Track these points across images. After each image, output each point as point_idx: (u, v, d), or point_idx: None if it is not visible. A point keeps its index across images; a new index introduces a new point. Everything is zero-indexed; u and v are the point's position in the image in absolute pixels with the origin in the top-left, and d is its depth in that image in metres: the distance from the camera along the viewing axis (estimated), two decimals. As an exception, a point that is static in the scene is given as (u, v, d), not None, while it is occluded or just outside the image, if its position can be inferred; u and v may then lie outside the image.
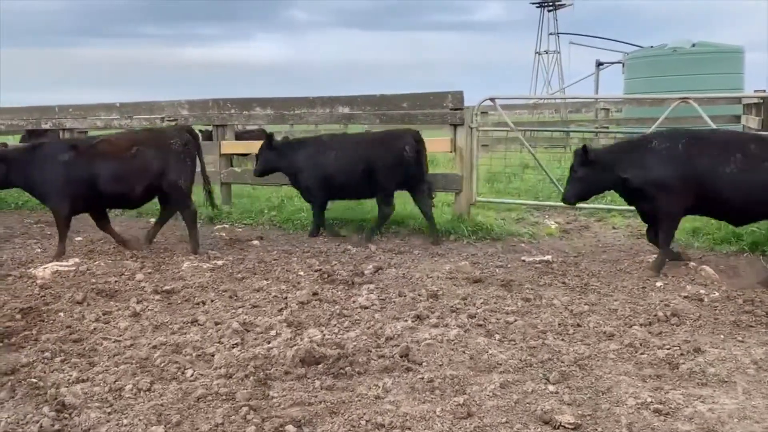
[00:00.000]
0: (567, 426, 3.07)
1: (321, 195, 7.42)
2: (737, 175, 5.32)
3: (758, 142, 5.54)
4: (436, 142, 8.36)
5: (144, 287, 5.41)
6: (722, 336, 4.25)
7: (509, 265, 6.11)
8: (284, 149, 7.54)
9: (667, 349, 3.99)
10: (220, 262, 6.26)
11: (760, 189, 5.30)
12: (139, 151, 6.45)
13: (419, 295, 5.10)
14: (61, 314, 4.80)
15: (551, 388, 3.49)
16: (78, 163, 6.36)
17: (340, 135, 8.18)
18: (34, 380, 3.66)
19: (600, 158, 5.84)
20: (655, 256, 5.93)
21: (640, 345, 4.06)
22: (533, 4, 65.94)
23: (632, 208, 8.06)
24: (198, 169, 6.99)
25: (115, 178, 6.38)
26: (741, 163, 5.33)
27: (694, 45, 16.91)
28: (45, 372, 3.81)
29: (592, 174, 5.86)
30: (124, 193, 6.48)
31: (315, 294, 5.12)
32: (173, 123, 9.44)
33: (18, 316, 4.72)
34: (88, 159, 6.38)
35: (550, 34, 64.90)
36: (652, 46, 18.73)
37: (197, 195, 7.24)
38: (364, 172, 7.08)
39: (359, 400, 3.39)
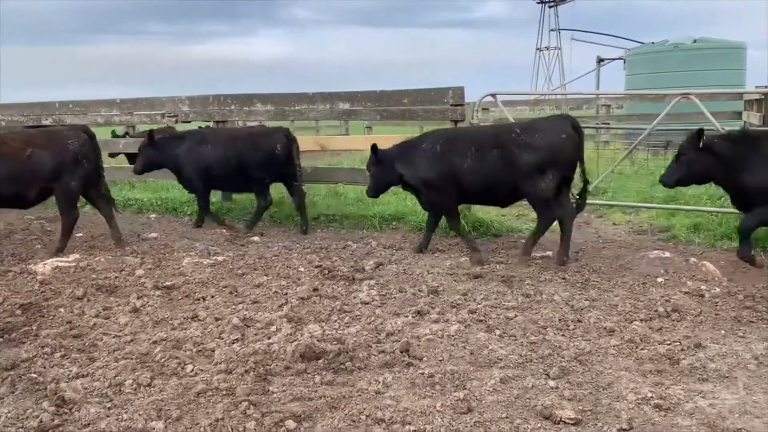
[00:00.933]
0: (567, 421, 3.07)
1: (201, 186, 7.72)
2: (473, 166, 5.93)
3: (498, 132, 6.11)
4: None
5: (144, 283, 5.41)
6: (723, 331, 4.25)
7: (509, 261, 6.10)
8: (164, 145, 7.76)
9: (668, 344, 3.99)
10: (220, 258, 6.26)
11: (492, 174, 5.89)
12: (34, 152, 6.34)
13: (420, 291, 5.09)
14: (62, 310, 4.80)
15: (551, 383, 3.48)
16: None
17: (219, 129, 8.61)
18: (34, 375, 3.66)
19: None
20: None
21: (641, 340, 4.06)
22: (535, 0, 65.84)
23: (632, 204, 8.07)
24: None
25: (7, 179, 6.25)
26: (476, 154, 5.93)
27: (695, 41, 16.86)
28: (45, 367, 3.81)
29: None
30: (17, 194, 6.37)
31: (315, 290, 5.12)
32: (173, 119, 9.44)
33: (18, 312, 4.72)
34: None
35: (552, 30, 64.88)
36: (653, 43, 18.68)
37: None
38: (238, 166, 7.44)
39: (359, 395, 3.39)
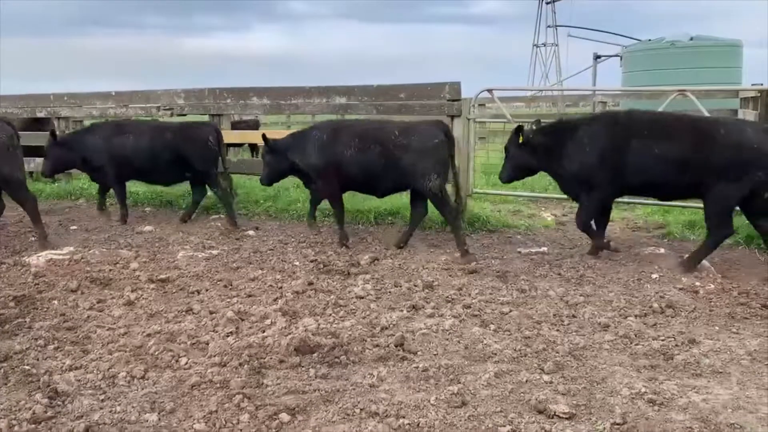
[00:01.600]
0: (561, 415, 3.08)
1: (116, 178, 7.72)
2: (355, 157, 6.30)
3: (380, 130, 6.37)
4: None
5: (139, 276, 5.39)
6: (717, 327, 4.26)
7: (505, 257, 6.10)
8: (71, 142, 7.72)
9: (662, 340, 4.00)
10: (215, 252, 6.24)
11: (369, 167, 6.26)
12: None
13: (415, 286, 5.09)
14: (55, 302, 4.78)
15: (546, 377, 3.49)
16: None
17: (139, 122, 8.51)
18: (27, 367, 3.65)
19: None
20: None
21: (635, 336, 4.07)
22: (532, -4, 65.73)
23: (627, 200, 8.08)
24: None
25: None
26: (358, 146, 6.29)
27: (692, 38, 16.86)
28: (38, 359, 3.79)
29: None
30: None
31: (310, 284, 5.12)
32: (169, 112, 9.40)
33: (12, 304, 4.70)
34: None
35: (549, 26, 64.74)
36: (650, 40, 18.67)
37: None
38: (168, 158, 7.46)
39: (354, 389, 3.39)
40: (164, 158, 7.46)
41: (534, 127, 6.26)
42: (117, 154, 7.53)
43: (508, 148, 6.36)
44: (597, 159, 5.70)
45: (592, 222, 6.07)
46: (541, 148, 6.08)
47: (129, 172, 7.74)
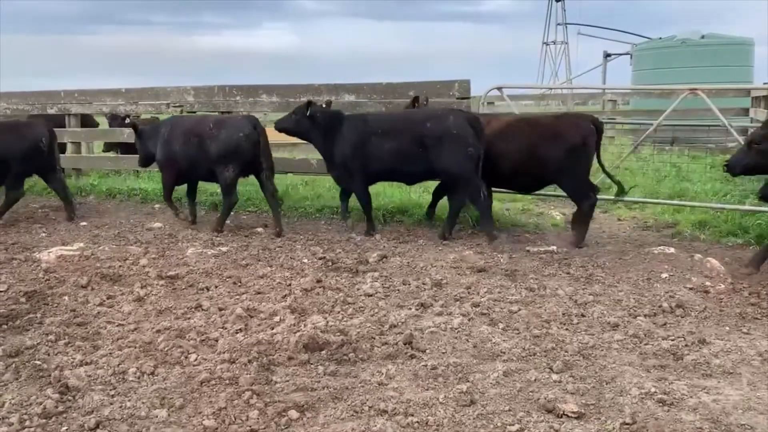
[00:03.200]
0: (570, 415, 3.07)
1: None
2: (181, 150, 7.01)
3: (199, 123, 7.12)
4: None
5: (148, 272, 5.42)
6: (727, 328, 4.23)
7: (514, 255, 6.08)
8: None
9: (672, 340, 3.98)
10: (224, 249, 6.26)
11: (191, 158, 6.99)
12: None
13: (423, 284, 5.09)
14: (66, 298, 4.81)
15: (555, 377, 3.48)
16: None
17: None
18: (38, 362, 3.68)
19: None
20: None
21: (645, 335, 4.05)
22: (541, -6, 65.38)
23: (637, 199, 8.03)
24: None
25: None
26: (183, 140, 7.00)
27: (703, 37, 16.75)
28: (49, 354, 3.82)
29: None
30: None
31: (319, 281, 5.12)
32: (179, 109, 9.43)
33: (23, 300, 4.74)
34: None
35: (558, 24, 64.36)
36: (660, 38, 18.57)
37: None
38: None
39: (362, 387, 3.39)
40: None
41: None
42: None
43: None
44: None
45: None
46: None
47: None
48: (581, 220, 6.53)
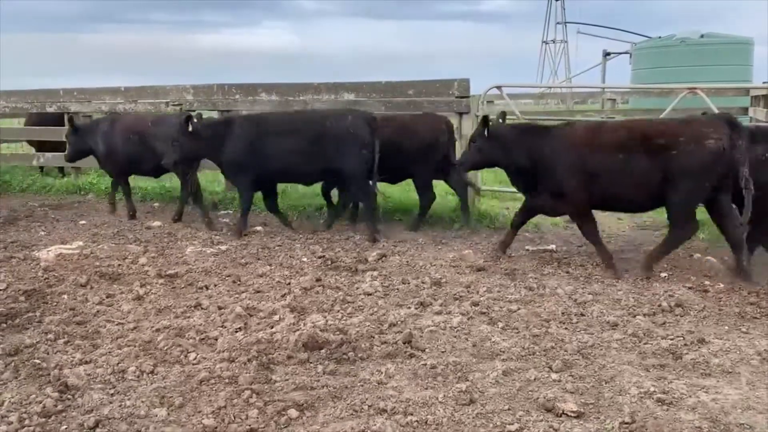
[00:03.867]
0: (569, 414, 3.07)
1: None
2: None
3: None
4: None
5: (147, 271, 5.42)
6: (726, 327, 4.23)
7: (513, 254, 6.09)
8: None
9: (671, 339, 3.98)
10: (223, 247, 6.26)
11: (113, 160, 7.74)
12: None
13: (423, 283, 5.09)
14: (65, 296, 4.81)
15: (554, 376, 3.48)
16: None
17: None
18: (38, 361, 3.68)
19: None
20: None
21: (644, 335, 4.05)
22: (542, -8, 65.37)
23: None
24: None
25: None
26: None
27: (702, 36, 16.74)
28: (48, 353, 3.82)
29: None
30: None
31: (318, 280, 5.12)
32: (178, 107, 9.42)
33: (22, 298, 4.73)
34: None
35: (558, 23, 64.43)
36: (660, 37, 18.55)
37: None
38: None
39: (362, 385, 3.39)
40: None
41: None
42: None
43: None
44: None
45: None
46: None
47: None
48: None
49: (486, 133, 5.75)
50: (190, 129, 6.59)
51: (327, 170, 6.69)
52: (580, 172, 5.32)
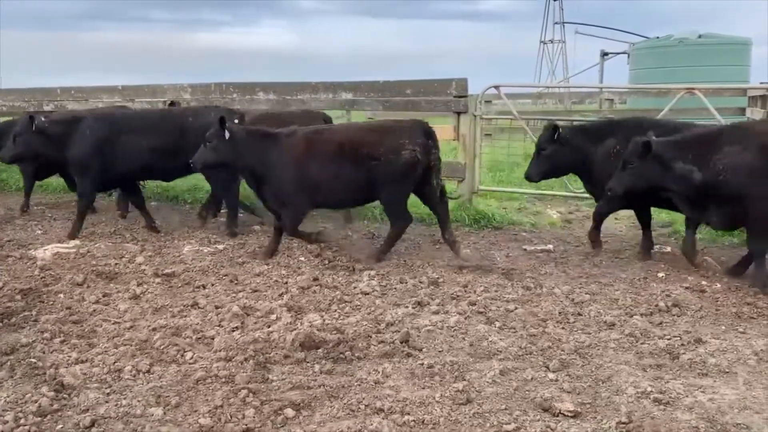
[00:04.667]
0: (566, 413, 3.07)
1: None
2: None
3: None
4: (440, 130, 8.31)
5: (144, 270, 5.40)
6: (723, 327, 4.24)
7: (510, 254, 6.09)
8: None
9: (668, 339, 3.98)
10: (220, 247, 6.25)
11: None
12: None
13: (420, 282, 5.08)
14: (61, 295, 4.80)
15: (551, 375, 3.48)
16: None
17: None
18: (34, 360, 3.66)
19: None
20: None
21: (641, 335, 4.05)
22: (539, -8, 65.32)
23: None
24: None
25: None
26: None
27: (700, 36, 16.77)
28: (44, 352, 3.81)
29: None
30: None
31: (315, 279, 5.11)
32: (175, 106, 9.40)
33: (18, 297, 4.72)
34: None
35: (556, 23, 64.23)
36: (658, 37, 18.59)
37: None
38: None
39: (358, 385, 3.39)
40: None
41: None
42: None
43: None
44: None
45: None
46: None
47: None
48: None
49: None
50: (34, 127, 6.46)
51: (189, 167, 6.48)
52: None
